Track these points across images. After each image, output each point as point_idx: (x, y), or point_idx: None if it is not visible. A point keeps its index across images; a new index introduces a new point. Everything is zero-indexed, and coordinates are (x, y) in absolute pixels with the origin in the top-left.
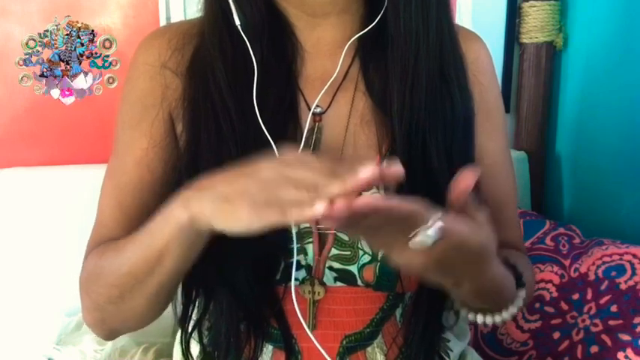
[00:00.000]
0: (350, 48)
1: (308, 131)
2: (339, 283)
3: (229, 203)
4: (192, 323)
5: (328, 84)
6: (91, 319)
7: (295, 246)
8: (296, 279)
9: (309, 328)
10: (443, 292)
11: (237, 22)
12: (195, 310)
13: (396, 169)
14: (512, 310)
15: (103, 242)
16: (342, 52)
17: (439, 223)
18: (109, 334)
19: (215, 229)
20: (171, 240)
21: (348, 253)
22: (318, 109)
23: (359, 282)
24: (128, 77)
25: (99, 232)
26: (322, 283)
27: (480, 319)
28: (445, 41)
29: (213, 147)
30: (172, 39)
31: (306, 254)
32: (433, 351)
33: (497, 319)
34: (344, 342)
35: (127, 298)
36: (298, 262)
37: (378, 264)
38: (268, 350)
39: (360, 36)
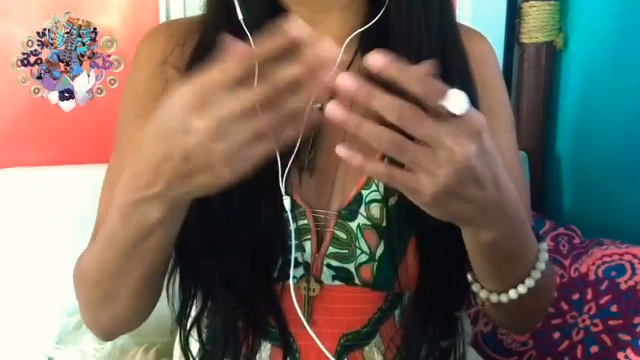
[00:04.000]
0: (352, 43)
1: (308, 126)
2: (337, 282)
3: (204, 176)
4: (190, 321)
5: (327, 77)
6: (86, 319)
7: (293, 243)
8: (294, 276)
9: (306, 325)
10: (442, 292)
11: (241, 16)
12: (194, 308)
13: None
14: (536, 274)
15: None
16: (342, 47)
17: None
18: (104, 335)
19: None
20: (149, 244)
21: (346, 251)
22: (318, 105)
23: (356, 280)
24: (129, 72)
25: (97, 230)
26: (318, 281)
27: (495, 297)
28: (447, 38)
29: None
30: (174, 34)
31: (303, 251)
32: (431, 351)
33: (521, 289)
34: (341, 341)
35: (112, 297)
36: (296, 259)
37: (375, 263)
38: (266, 348)
39: (361, 32)
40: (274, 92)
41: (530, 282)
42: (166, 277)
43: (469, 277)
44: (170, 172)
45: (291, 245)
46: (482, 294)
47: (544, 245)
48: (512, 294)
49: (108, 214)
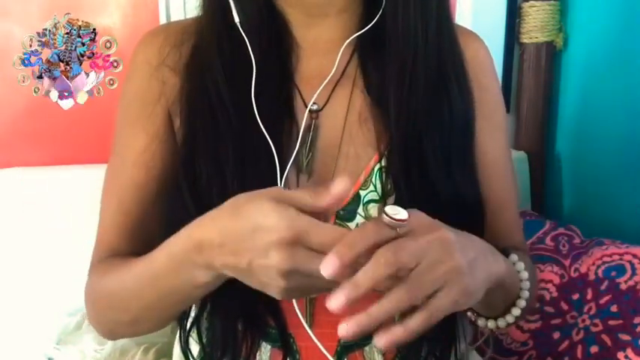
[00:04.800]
0: (348, 46)
1: (305, 128)
2: None
3: (257, 280)
4: (190, 321)
5: (326, 81)
6: (97, 326)
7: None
8: None
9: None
10: None
11: (237, 19)
12: (194, 308)
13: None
14: (521, 302)
15: (106, 252)
16: (339, 51)
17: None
18: (110, 337)
19: None
20: (192, 294)
21: None
22: (315, 107)
23: None
24: (127, 75)
25: (102, 240)
26: None
27: (491, 324)
28: (444, 41)
29: (210, 143)
30: (170, 36)
31: None
32: (431, 351)
33: (509, 318)
34: (341, 341)
35: (139, 322)
36: None
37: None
38: (266, 350)
39: (358, 35)
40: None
41: (521, 303)
42: None
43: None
44: (231, 264)
45: None
46: (481, 322)
47: (514, 257)
48: (509, 318)
49: (155, 256)
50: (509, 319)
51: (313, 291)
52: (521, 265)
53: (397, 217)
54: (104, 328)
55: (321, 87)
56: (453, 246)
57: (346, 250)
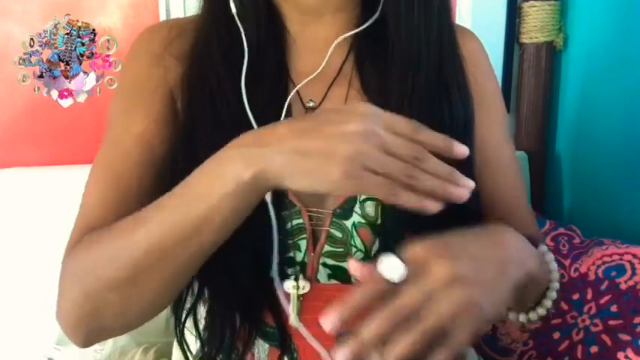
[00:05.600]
0: (344, 44)
1: None
2: (333, 281)
3: (313, 159)
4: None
5: (314, 75)
6: (73, 315)
7: (275, 242)
8: (290, 275)
9: (297, 322)
10: None
11: (234, 10)
12: (189, 299)
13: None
14: (552, 294)
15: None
16: (330, 48)
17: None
18: (91, 335)
19: (284, 187)
20: (223, 201)
21: (341, 249)
22: (311, 104)
23: (352, 279)
24: (125, 66)
25: (85, 220)
26: (309, 279)
27: (522, 317)
28: (445, 44)
29: (209, 132)
30: (173, 29)
31: (299, 250)
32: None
33: (541, 311)
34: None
35: (140, 280)
36: (291, 258)
37: (371, 261)
38: (264, 348)
39: (356, 35)
40: None
41: (551, 294)
42: None
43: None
44: (297, 130)
45: (287, 244)
46: (512, 316)
47: (543, 248)
48: (541, 310)
49: (194, 176)
50: (541, 311)
51: (369, 187)
52: (550, 256)
53: (393, 273)
54: (83, 314)
55: (306, 80)
56: (458, 281)
57: (345, 308)
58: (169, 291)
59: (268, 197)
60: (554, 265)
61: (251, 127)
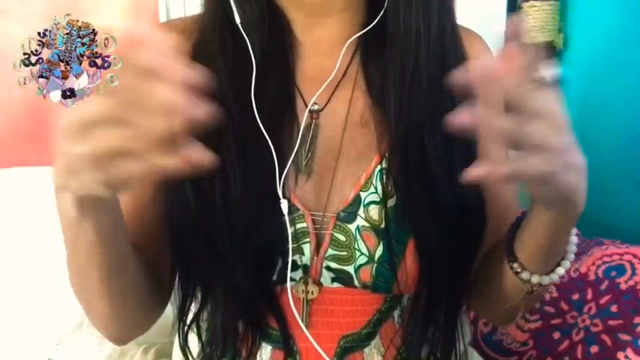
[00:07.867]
0: (349, 46)
1: (305, 128)
2: (336, 284)
3: (72, 179)
4: (190, 318)
5: (327, 82)
6: (90, 319)
7: (290, 246)
8: (293, 279)
9: (304, 327)
10: (441, 294)
11: (238, 20)
12: (194, 304)
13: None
14: (566, 263)
15: None
16: (342, 51)
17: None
18: (115, 340)
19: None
20: (72, 231)
21: (345, 253)
22: (316, 107)
23: (356, 282)
24: None
25: None
26: (317, 283)
27: (535, 279)
28: (447, 41)
29: (211, 140)
30: (174, 30)
31: (302, 254)
32: (431, 352)
33: (554, 277)
34: (341, 342)
35: (90, 302)
36: (295, 262)
37: (375, 265)
38: (267, 350)
39: (360, 35)
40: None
41: (570, 256)
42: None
43: (515, 266)
44: (57, 167)
45: (289, 248)
46: (534, 279)
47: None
48: (554, 276)
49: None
50: (554, 277)
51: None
52: (573, 230)
53: (547, 71)
54: (95, 325)
55: (322, 88)
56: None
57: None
58: (123, 304)
59: (285, 208)
60: (574, 239)
61: (260, 132)
